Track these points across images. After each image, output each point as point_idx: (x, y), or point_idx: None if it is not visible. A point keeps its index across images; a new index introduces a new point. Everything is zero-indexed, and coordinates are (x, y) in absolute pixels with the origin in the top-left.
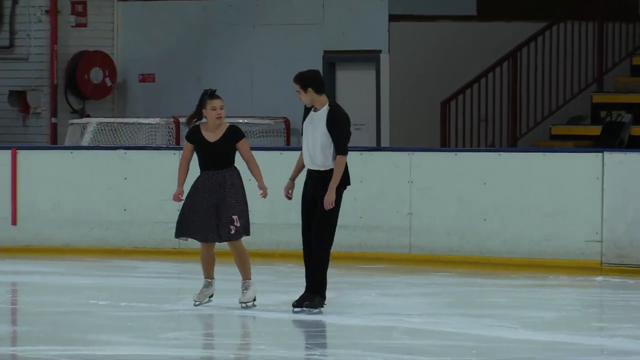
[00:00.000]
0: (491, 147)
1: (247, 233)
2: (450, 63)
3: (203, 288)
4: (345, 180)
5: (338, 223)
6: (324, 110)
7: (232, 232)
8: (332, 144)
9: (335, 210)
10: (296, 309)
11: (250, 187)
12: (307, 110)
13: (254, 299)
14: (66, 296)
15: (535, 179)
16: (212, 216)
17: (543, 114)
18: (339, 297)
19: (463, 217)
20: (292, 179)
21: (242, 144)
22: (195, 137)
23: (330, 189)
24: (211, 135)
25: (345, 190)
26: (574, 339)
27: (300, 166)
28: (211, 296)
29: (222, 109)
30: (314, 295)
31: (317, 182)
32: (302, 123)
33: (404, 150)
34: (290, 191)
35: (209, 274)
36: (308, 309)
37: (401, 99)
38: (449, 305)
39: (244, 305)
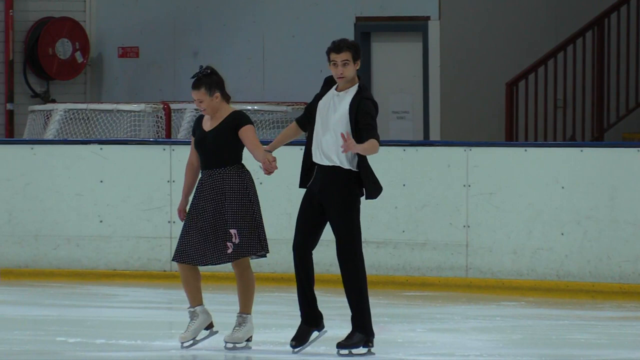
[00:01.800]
0: (571, 141)
1: (255, 252)
2: (518, 33)
3: (190, 322)
4: (362, 190)
5: (374, 240)
6: (352, 90)
7: (229, 250)
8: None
9: (355, 217)
10: (296, 350)
11: (263, 191)
12: (325, 88)
13: (249, 339)
14: (25, 332)
15: (628, 181)
16: (208, 232)
17: (637, 99)
18: (377, 334)
19: (535, 231)
20: (269, 151)
21: (245, 132)
22: (195, 127)
23: (358, 146)
24: (210, 124)
25: (363, 201)
26: None
27: (283, 139)
28: (210, 328)
29: (201, 102)
30: (353, 331)
31: (325, 179)
32: (316, 103)
33: (458, 145)
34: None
35: (194, 300)
36: (342, 349)
37: (455, 80)
38: (517, 343)
39: (229, 345)
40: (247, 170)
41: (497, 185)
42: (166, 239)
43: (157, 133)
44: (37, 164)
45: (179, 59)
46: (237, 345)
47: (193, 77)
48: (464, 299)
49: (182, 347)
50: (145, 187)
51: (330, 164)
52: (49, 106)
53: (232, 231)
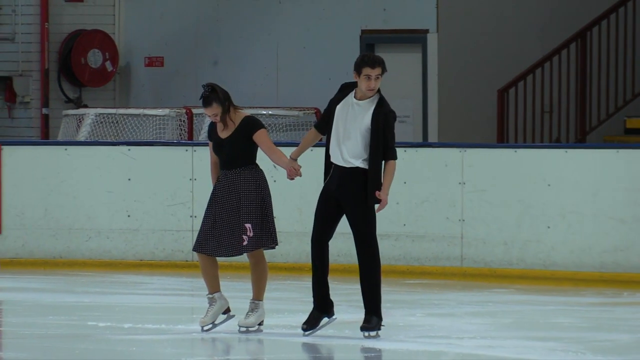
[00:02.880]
0: (556, 143)
1: (267, 244)
2: (508, 45)
3: (208, 307)
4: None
5: (377, 232)
6: (372, 100)
7: (245, 242)
8: (372, 145)
9: (371, 210)
10: (306, 333)
11: (277, 188)
12: (343, 92)
13: (261, 323)
14: (60, 317)
15: (608, 179)
16: (225, 227)
17: (616, 105)
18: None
19: (523, 225)
20: (294, 158)
21: (259, 136)
22: (211, 133)
23: (386, 190)
24: (224, 130)
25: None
26: None
27: (306, 145)
28: (227, 312)
29: (216, 115)
30: (369, 315)
31: (342, 178)
32: (334, 107)
33: (454, 147)
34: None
35: (212, 287)
36: (366, 332)
37: (451, 87)
38: (507, 326)
39: (243, 329)
40: (261, 170)
41: (489, 183)
42: (188, 232)
43: (180, 135)
44: (71, 164)
45: (200, 68)
46: (250, 329)
47: (201, 98)
48: (459, 286)
49: (202, 330)
50: (170, 184)
51: (349, 166)
52: (81, 111)
53: (247, 225)
